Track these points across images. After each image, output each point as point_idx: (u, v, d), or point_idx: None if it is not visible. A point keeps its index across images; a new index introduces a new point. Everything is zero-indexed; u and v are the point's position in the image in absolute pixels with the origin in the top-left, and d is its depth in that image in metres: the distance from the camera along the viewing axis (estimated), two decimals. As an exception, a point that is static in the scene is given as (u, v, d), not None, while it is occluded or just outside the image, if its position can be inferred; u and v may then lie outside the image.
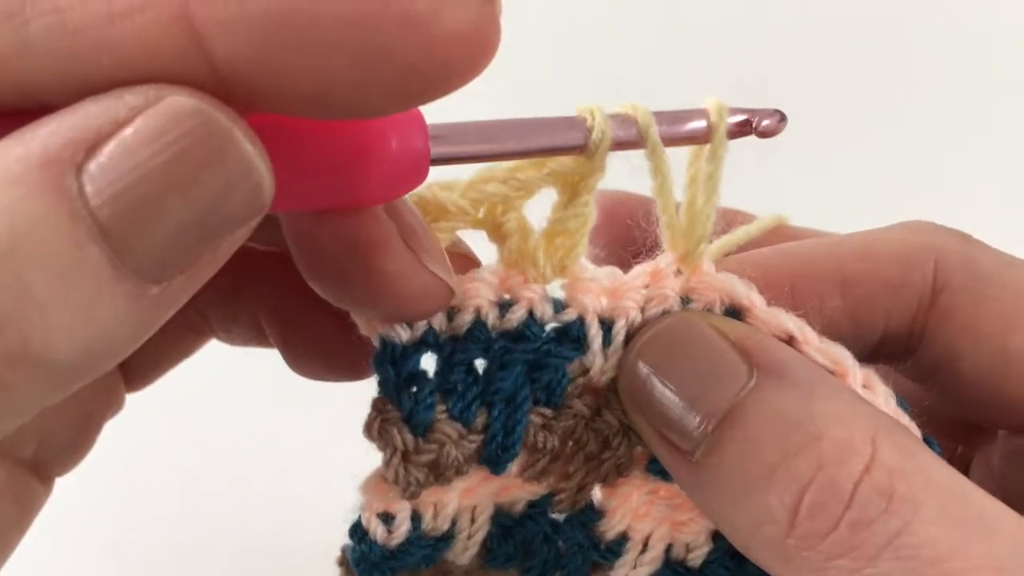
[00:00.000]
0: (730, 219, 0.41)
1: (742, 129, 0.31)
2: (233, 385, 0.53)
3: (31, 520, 0.36)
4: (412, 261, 0.29)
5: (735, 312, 0.33)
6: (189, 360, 0.41)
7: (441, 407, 0.31)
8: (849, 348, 0.32)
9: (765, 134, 0.31)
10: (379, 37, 0.22)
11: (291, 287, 0.31)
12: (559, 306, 0.32)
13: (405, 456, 0.31)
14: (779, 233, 0.40)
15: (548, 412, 0.33)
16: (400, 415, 0.31)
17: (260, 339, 0.38)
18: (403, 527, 0.33)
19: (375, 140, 0.26)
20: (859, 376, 0.31)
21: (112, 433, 0.40)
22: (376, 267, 0.28)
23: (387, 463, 0.31)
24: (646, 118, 0.30)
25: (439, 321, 0.31)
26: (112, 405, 0.39)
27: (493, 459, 0.32)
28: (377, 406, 0.31)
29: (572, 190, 0.31)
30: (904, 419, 0.32)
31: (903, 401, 0.32)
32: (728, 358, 0.30)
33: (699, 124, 0.31)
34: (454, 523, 0.35)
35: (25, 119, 0.22)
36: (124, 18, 0.22)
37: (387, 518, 0.33)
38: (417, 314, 0.31)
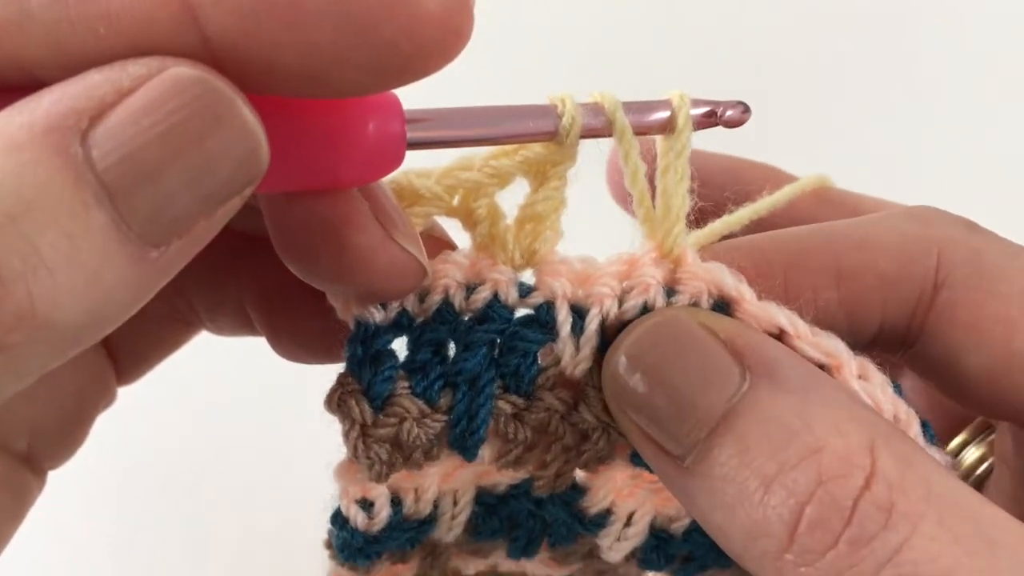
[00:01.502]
0: (773, 178, 0.41)
1: (708, 120, 0.32)
2: (233, 380, 0.52)
3: (25, 512, 0.36)
4: (382, 236, 0.29)
5: (723, 305, 0.32)
6: (190, 358, 0.42)
7: (404, 383, 0.31)
8: (844, 339, 0.31)
9: (730, 124, 0.32)
10: (362, 15, 0.23)
11: (275, 272, 0.32)
12: (527, 290, 0.32)
13: (363, 429, 0.31)
14: (821, 195, 0.40)
15: (519, 401, 0.32)
16: (360, 387, 0.31)
17: (247, 327, 0.38)
18: (383, 512, 0.33)
19: (353, 123, 0.27)
20: (854, 367, 0.31)
21: (112, 431, 0.40)
22: (346, 241, 0.29)
23: (346, 436, 0.31)
24: (613, 105, 0.30)
25: (412, 304, 0.32)
26: (104, 398, 0.39)
27: (460, 443, 0.32)
28: (340, 380, 0.31)
29: (543, 177, 0.31)
30: (902, 407, 0.31)
31: (899, 387, 0.32)
32: (719, 361, 0.29)
33: (664, 114, 0.31)
34: (436, 506, 0.35)
35: (21, 95, 0.22)
36: None
37: (366, 504, 0.33)
38: (389, 290, 0.31)
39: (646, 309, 0.31)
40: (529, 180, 0.32)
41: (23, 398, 0.32)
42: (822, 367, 0.31)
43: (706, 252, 0.33)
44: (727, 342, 0.30)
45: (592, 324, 0.31)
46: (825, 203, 0.41)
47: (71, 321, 0.22)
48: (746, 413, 0.29)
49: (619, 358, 0.31)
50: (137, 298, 0.23)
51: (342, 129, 0.27)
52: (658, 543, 0.36)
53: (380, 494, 0.33)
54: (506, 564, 0.40)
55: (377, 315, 0.31)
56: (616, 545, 0.36)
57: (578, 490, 0.35)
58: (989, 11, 0.82)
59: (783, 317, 0.31)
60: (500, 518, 0.36)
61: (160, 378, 0.41)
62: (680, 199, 0.31)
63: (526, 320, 0.32)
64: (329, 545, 0.35)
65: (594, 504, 0.35)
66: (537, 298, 0.32)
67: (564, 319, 0.32)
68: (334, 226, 0.29)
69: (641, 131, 0.31)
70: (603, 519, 0.36)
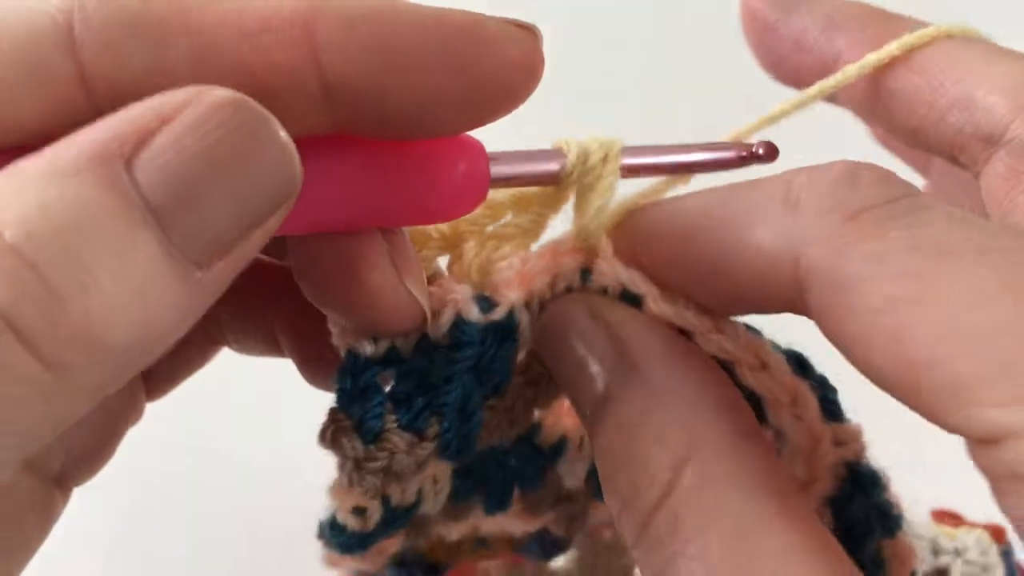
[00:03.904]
0: (894, 26, 0.39)
1: (741, 160, 0.34)
2: (234, 378, 0.54)
3: (50, 530, 0.36)
4: (393, 278, 0.31)
5: (631, 297, 0.33)
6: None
7: (392, 417, 0.32)
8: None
9: (763, 160, 0.33)
10: (460, 56, 0.26)
11: (307, 302, 0.32)
12: (488, 306, 0.33)
13: (357, 463, 0.32)
14: (941, 52, 0.37)
15: (493, 401, 0.35)
16: (351, 424, 0.32)
17: (271, 350, 0.40)
18: (376, 515, 0.35)
19: (448, 164, 0.30)
20: (752, 358, 0.32)
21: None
22: (360, 277, 0.30)
23: (341, 468, 0.33)
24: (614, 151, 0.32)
25: (400, 340, 0.33)
26: (133, 415, 0.41)
27: (451, 459, 0.34)
28: (331, 415, 0.32)
29: (528, 208, 0.34)
30: (801, 388, 0.32)
31: (803, 360, 0.33)
32: (595, 350, 0.31)
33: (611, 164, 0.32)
34: (420, 492, 0.37)
35: None
36: (253, 37, 0.25)
37: (359, 511, 0.35)
38: (388, 330, 0.32)
39: (569, 292, 0.34)
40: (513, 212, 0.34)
41: None
42: (721, 362, 0.32)
43: (614, 232, 0.34)
44: (615, 332, 0.32)
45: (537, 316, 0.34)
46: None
47: (123, 341, 0.23)
48: (608, 405, 0.31)
49: (541, 332, 0.34)
50: (184, 320, 0.24)
51: (438, 170, 0.30)
52: None
53: (372, 500, 0.35)
54: (486, 525, 0.43)
55: (368, 348, 0.32)
56: (572, 469, 0.40)
57: (535, 428, 0.38)
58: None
59: (685, 317, 0.32)
60: (474, 479, 0.39)
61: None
62: (604, 199, 0.33)
63: (496, 335, 0.33)
64: (321, 537, 0.37)
65: (552, 435, 0.38)
66: (501, 312, 0.33)
67: (526, 323, 0.33)
68: (351, 262, 0.30)
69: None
70: (560, 447, 0.39)
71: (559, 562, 0.55)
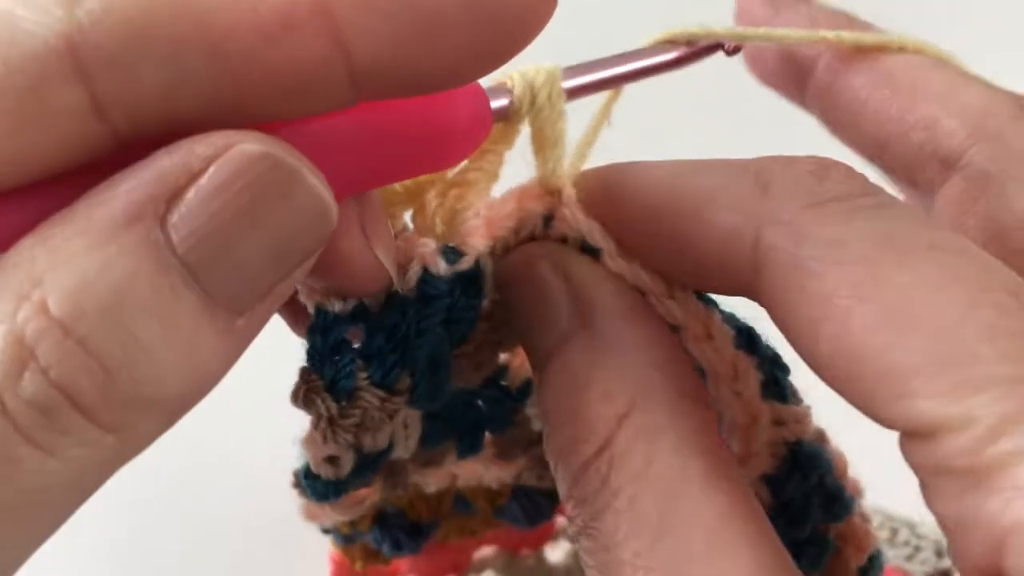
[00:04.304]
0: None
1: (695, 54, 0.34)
2: (233, 378, 0.54)
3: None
4: (363, 246, 0.30)
5: (590, 249, 0.33)
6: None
7: (363, 374, 0.32)
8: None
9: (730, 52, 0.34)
10: (487, 8, 0.25)
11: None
12: (454, 257, 0.32)
13: (331, 421, 0.32)
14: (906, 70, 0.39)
15: (459, 348, 0.35)
16: (323, 384, 0.32)
17: None
18: (349, 462, 0.36)
19: (455, 111, 0.29)
20: (700, 328, 0.32)
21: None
22: (330, 245, 0.29)
23: (315, 427, 0.33)
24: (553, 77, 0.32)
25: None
26: None
27: (421, 406, 0.34)
28: (303, 374, 0.32)
29: (481, 153, 0.33)
30: (742, 362, 0.32)
31: (753, 335, 0.32)
32: (552, 301, 0.31)
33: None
34: (392, 437, 0.37)
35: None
36: (275, 38, 0.23)
37: (333, 459, 0.35)
38: (353, 292, 0.32)
39: (533, 239, 0.34)
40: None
41: None
42: (673, 327, 0.32)
43: (582, 182, 0.33)
44: (577, 285, 0.31)
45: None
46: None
47: (173, 394, 0.24)
48: (558, 359, 0.31)
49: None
50: (228, 363, 0.25)
51: (443, 118, 0.29)
52: None
53: (346, 451, 0.35)
54: (463, 475, 0.44)
55: (337, 305, 0.32)
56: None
57: (501, 370, 0.38)
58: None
59: (639, 277, 0.32)
60: (444, 420, 0.39)
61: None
62: (557, 132, 0.33)
63: (464, 285, 0.33)
64: (297, 485, 0.38)
65: (517, 377, 0.38)
66: (468, 262, 0.33)
67: (490, 272, 0.33)
68: None
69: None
70: (527, 388, 0.39)
71: (558, 557, 0.54)
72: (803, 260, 0.27)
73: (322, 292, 0.32)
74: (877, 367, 0.25)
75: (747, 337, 0.33)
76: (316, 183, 0.25)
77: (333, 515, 0.41)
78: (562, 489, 0.30)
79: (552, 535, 0.55)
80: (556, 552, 0.55)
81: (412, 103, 0.28)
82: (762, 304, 0.29)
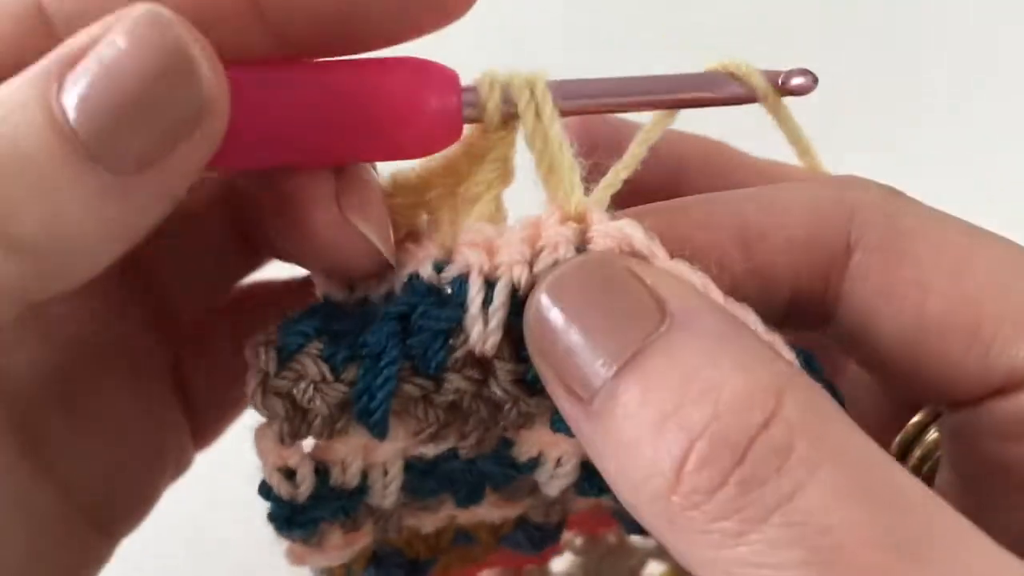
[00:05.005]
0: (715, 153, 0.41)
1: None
2: None
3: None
4: (336, 216, 0.30)
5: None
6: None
7: (317, 344, 0.31)
8: (757, 310, 0.29)
9: (796, 92, 0.32)
10: None
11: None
12: (441, 265, 0.31)
13: (264, 378, 0.31)
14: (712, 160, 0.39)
15: (427, 384, 0.31)
16: (276, 339, 0.31)
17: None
18: (307, 482, 0.33)
19: (414, 98, 0.30)
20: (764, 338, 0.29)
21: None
22: (301, 214, 0.30)
23: (248, 386, 0.31)
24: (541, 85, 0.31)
25: (376, 295, 0.33)
26: (181, 465, 0.41)
27: (364, 420, 0.31)
28: (266, 333, 0.32)
29: (481, 162, 0.32)
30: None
31: (811, 359, 0.30)
32: (640, 301, 0.28)
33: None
34: (365, 477, 0.35)
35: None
36: None
37: (288, 473, 0.33)
38: (340, 269, 0.32)
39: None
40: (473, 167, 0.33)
41: (104, 464, 0.35)
42: None
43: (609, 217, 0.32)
44: (651, 288, 0.28)
45: (501, 295, 0.30)
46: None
47: (29, 235, 0.25)
48: (656, 354, 0.27)
49: (540, 296, 0.29)
50: (112, 225, 0.26)
51: (405, 106, 0.29)
52: (589, 475, 0.37)
53: (301, 463, 0.33)
54: (463, 515, 0.41)
55: (340, 296, 0.32)
56: (551, 482, 0.37)
57: (506, 443, 0.35)
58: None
59: (697, 279, 0.29)
60: (435, 478, 0.37)
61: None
62: (565, 157, 0.31)
63: (439, 299, 0.31)
64: (269, 518, 0.35)
65: (523, 453, 0.36)
66: (452, 271, 0.31)
67: (476, 294, 0.31)
68: (292, 199, 0.30)
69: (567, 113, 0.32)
70: (534, 463, 0.36)
71: (562, 567, 0.52)
72: (907, 228, 0.30)
73: (325, 279, 0.33)
74: (964, 319, 0.29)
75: (805, 360, 0.30)
76: (199, 53, 0.26)
77: (318, 559, 0.38)
78: (717, 472, 0.25)
79: (559, 551, 0.51)
80: (561, 562, 0.53)
81: (381, 80, 0.29)
82: (845, 283, 0.31)
